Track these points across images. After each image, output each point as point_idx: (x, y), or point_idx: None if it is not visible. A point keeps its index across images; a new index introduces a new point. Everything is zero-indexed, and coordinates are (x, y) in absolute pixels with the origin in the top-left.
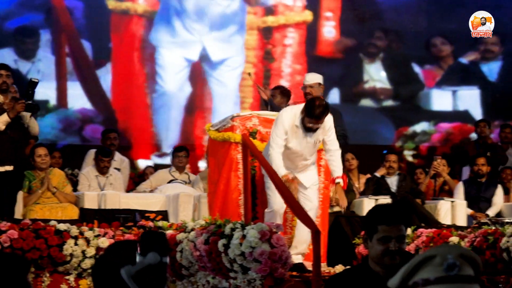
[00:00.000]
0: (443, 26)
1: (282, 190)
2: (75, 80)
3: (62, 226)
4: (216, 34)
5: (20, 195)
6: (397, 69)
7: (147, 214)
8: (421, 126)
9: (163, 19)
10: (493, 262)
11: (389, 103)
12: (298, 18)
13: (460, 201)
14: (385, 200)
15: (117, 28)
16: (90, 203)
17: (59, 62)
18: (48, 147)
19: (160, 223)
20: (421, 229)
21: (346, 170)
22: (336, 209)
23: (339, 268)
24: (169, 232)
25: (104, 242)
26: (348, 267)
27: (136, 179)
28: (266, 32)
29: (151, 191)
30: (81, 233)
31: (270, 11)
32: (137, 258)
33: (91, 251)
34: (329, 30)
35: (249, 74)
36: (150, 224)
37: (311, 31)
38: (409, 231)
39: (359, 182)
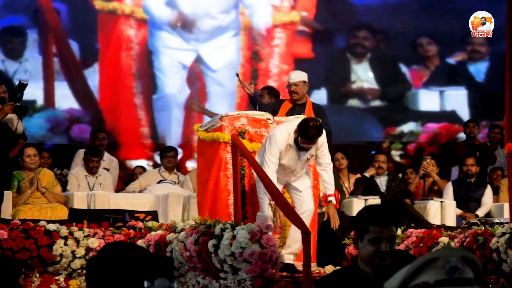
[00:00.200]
0: (430, 27)
1: (273, 192)
2: (62, 80)
3: (51, 227)
4: (211, 42)
5: (9, 195)
6: (384, 69)
7: (136, 214)
8: (409, 126)
9: (155, 27)
10: (483, 262)
11: (376, 103)
12: (286, 18)
13: (450, 201)
14: (375, 200)
15: (104, 28)
16: (80, 203)
17: (46, 62)
18: (35, 147)
19: (150, 223)
20: (411, 230)
21: (336, 170)
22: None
23: (329, 268)
24: (158, 232)
25: (94, 243)
26: (338, 267)
27: (125, 179)
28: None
29: (141, 191)
30: (71, 234)
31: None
32: (145, 284)
33: (80, 252)
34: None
35: (237, 74)
36: (140, 224)
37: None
38: (399, 231)
39: (349, 182)
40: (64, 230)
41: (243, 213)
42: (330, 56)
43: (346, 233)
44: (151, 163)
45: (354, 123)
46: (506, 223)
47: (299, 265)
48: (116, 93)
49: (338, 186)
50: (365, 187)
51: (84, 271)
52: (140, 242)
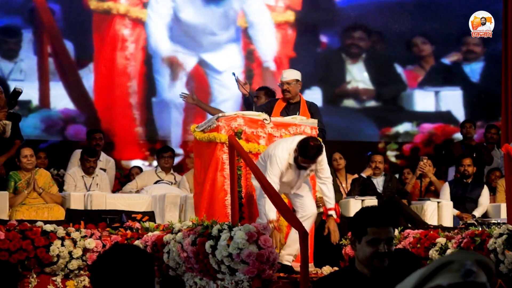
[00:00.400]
0: (425, 27)
1: (271, 194)
2: (57, 80)
3: (48, 227)
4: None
5: (6, 195)
6: (379, 69)
7: (133, 215)
8: (404, 127)
9: (155, 31)
10: None
11: (371, 103)
12: (281, 18)
13: (446, 202)
14: (372, 200)
15: (99, 28)
16: (76, 203)
17: (41, 62)
18: (31, 147)
19: (147, 224)
20: (408, 230)
21: (334, 170)
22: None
23: (327, 269)
24: (156, 233)
25: (91, 243)
26: (335, 268)
27: (122, 179)
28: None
29: (137, 191)
30: (68, 234)
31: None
32: None
33: (77, 252)
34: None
35: (234, 73)
36: (137, 225)
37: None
38: (396, 232)
39: (347, 182)
40: (61, 231)
41: (240, 213)
42: (325, 56)
43: (343, 233)
44: (146, 163)
45: (349, 123)
46: (503, 223)
47: (297, 266)
48: (111, 93)
49: (335, 186)
50: (362, 187)
51: (81, 272)
52: (137, 243)
